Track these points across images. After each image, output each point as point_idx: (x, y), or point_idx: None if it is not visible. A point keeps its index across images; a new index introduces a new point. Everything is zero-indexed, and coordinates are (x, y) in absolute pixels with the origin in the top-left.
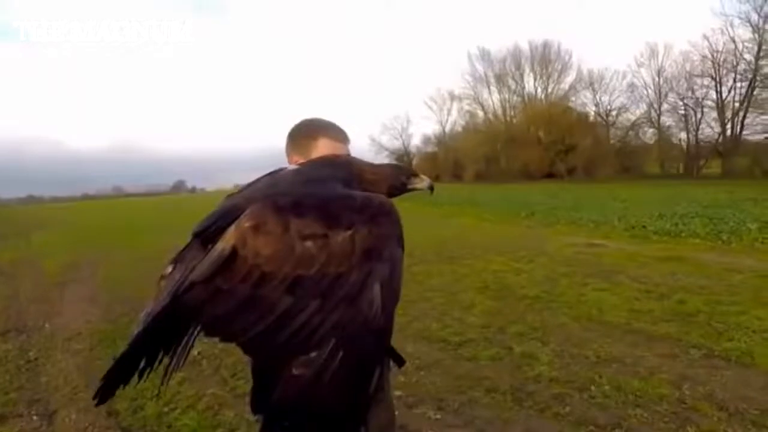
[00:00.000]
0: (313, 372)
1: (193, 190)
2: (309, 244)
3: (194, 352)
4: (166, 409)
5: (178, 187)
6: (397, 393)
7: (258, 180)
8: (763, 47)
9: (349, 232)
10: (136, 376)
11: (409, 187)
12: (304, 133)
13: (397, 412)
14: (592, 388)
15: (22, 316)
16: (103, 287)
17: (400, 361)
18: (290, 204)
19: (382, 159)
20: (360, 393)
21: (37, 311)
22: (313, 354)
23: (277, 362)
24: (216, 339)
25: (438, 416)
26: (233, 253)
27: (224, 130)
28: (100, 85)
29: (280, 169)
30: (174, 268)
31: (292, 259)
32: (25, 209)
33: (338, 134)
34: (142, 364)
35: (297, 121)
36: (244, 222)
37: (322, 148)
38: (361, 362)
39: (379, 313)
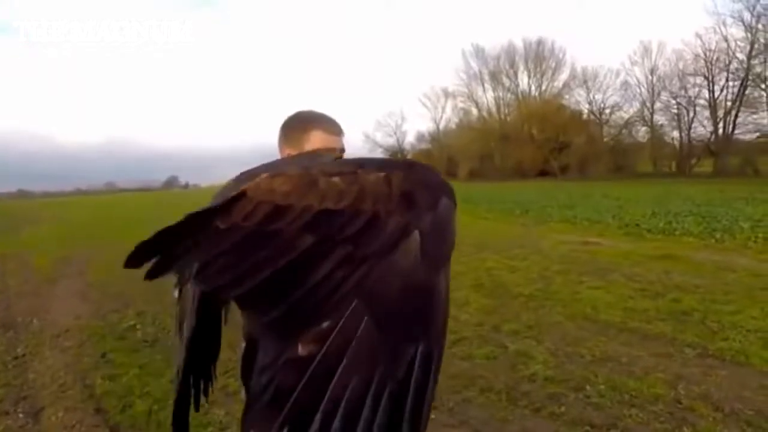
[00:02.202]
0: (324, 351)
1: (186, 185)
2: (336, 179)
3: None
4: (155, 407)
5: (171, 182)
6: None
7: (258, 166)
8: (756, 46)
9: (383, 173)
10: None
11: None
12: (297, 125)
13: None
14: (588, 387)
15: (11, 312)
16: (93, 283)
17: None
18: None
19: (377, 156)
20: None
21: (26, 307)
22: (326, 324)
23: (282, 334)
24: (209, 288)
25: (433, 416)
26: (240, 195)
27: (218, 126)
28: (95, 82)
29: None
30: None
31: (316, 191)
32: (15, 204)
33: (332, 126)
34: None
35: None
36: (261, 175)
37: (315, 140)
38: (392, 340)
39: (421, 271)
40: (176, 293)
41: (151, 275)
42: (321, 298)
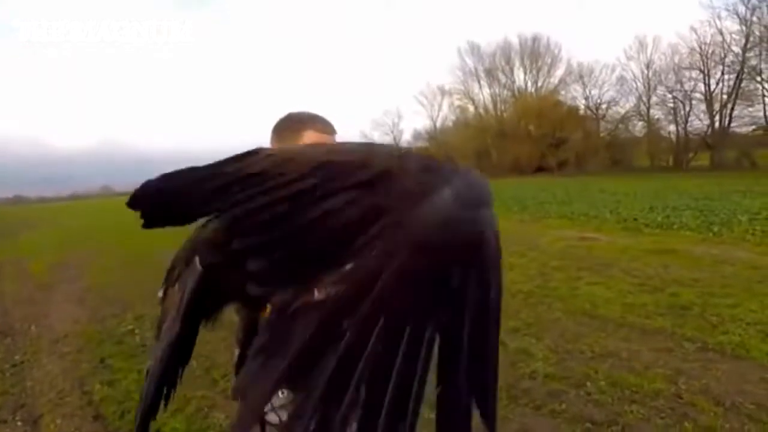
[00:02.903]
0: (346, 289)
1: None
2: (348, 145)
3: None
4: None
5: None
6: None
7: None
8: (751, 39)
9: (400, 151)
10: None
11: None
12: (290, 125)
13: None
14: (588, 384)
15: (8, 319)
16: (91, 288)
17: None
18: None
19: None
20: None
21: (24, 313)
22: (349, 266)
23: (294, 281)
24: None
25: (432, 415)
26: (253, 151)
27: (217, 126)
28: (92, 83)
29: None
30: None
31: (326, 149)
32: (12, 210)
33: (325, 126)
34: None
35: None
36: None
37: (309, 140)
38: (436, 267)
39: (461, 210)
40: (161, 293)
41: (148, 223)
42: (335, 240)
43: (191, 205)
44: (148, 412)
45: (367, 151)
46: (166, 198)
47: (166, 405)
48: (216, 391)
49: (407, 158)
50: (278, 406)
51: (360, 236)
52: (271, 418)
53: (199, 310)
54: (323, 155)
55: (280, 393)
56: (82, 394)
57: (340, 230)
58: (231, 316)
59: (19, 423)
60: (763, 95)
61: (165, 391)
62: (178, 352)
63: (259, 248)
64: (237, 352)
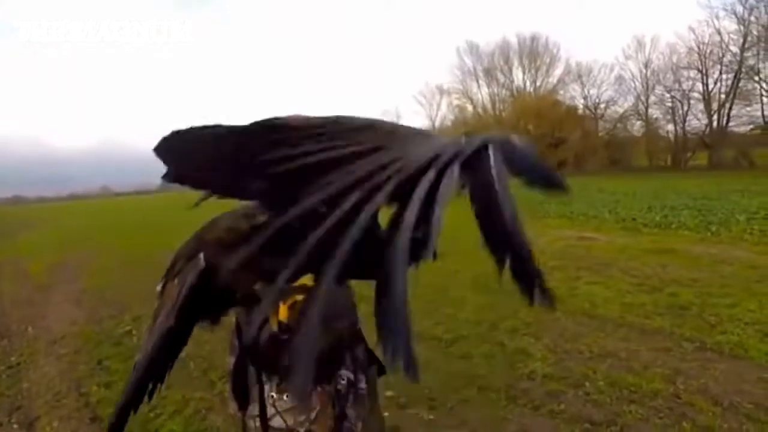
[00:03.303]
0: (354, 180)
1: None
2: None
3: (181, 354)
4: (151, 415)
5: (168, 185)
6: (389, 393)
7: None
8: (748, 39)
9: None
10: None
11: None
12: None
13: (387, 414)
14: (587, 384)
15: (5, 320)
16: (89, 289)
17: (381, 370)
18: None
19: None
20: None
21: (21, 314)
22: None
23: (294, 187)
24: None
25: (431, 416)
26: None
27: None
28: (91, 83)
29: None
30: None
31: (331, 116)
32: (11, 210)
33: None
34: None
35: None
36: None
37: None
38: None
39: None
40: (159, 287)
41: (169, 173)
42: (338, 165)
43: (209, 155)
44: (128, 405)
45: (371, 119)
46: (191, 143)
47: (150, 399)
48: (214, 393)
49: (410, 128)
50: (283, 410)
51: (362, 164)
52: (276, 422)
53: (196, 307)
54: (332, 117)
55: (284, 396)
56: (79, 396)
57: (344, 159)
58: (231, 317)
59: (15, 425)
60: (761, 95)
61: (150, 386)
62: (169, 346)
63: (261, 166)
64: (233, 360)
